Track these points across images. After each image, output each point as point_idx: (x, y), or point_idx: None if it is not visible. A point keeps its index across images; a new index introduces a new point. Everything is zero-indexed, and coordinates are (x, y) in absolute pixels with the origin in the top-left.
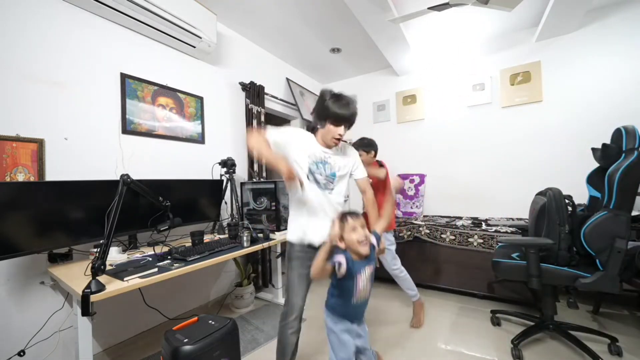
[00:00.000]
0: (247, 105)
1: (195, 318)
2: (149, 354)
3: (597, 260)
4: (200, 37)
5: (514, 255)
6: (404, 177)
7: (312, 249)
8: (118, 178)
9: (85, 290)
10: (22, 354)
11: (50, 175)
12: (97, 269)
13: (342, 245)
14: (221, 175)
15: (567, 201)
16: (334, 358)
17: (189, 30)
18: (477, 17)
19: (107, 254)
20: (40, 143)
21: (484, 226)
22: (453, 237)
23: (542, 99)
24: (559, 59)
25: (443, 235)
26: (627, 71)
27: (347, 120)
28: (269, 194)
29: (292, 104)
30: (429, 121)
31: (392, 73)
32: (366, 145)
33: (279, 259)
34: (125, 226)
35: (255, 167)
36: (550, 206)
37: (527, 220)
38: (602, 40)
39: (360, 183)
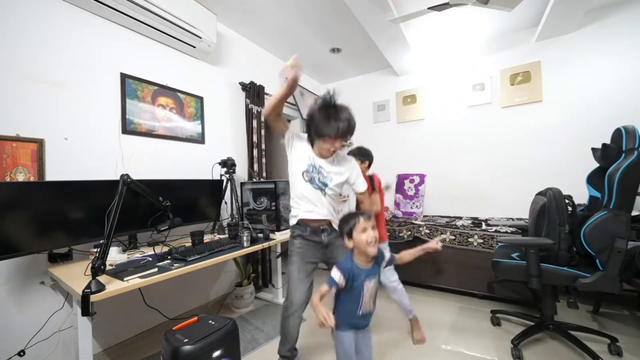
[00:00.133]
0: (247, 105)
1: (195, 318)
2: (149, 354)
3: (597, 260)
4: (200, 37)
5: (514, 255)
6: (404, 177)
7: (312, 242)
8: (118, 178)
9: (85, 290)
10: (22, 354)
11: (50, 175)
12: (97, 269)
13: (350, 244)
14: (221, 175)
15: (567, 201)
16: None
17: (189, 30)
18: (477, 17)
19: (107, 254)
20: (40, 143)
21: (484, 226)
22: (453, 237)
23: (542, 99)
24: (559, 59)
25: (443, 235)
26: (627, 71)
27: (335, 137)
28: (269, 194)
29: (292, 103)
30: (429, 121)
31: (392, 73)
32: (363, 155)
33: (279, 259)
34: (125, 226)
35: (255, 167)
36: (550, 206)
37: (527, 220)
38: (602, 40)
39: (358, 196)
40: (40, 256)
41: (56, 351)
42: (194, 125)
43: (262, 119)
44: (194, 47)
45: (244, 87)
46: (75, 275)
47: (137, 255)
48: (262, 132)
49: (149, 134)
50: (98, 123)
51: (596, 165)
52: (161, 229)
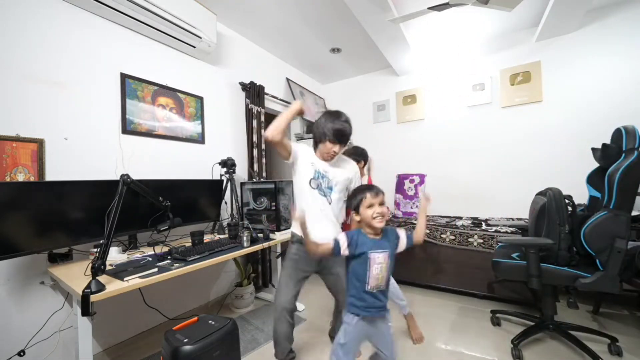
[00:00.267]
0: (247, 105)
1: (195, 318)
2: (149, 354)
3: (597, 260)
4: (200, 37)
5: (514, 255)
6: (404, 177)
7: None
8: (118, 178)
9: (85, 290)
10: (22, 354)
11: (50, 175)
12: (97, 269)
13: (357, 218)
14: (221, 175)
15: (567, 201)
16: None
17: (189, 30)
18: (477, 17)
19: (107, 254)
20: (40, 143)
21: (484, 226)
22: (453, 237)
23: (542, 99)
24: (559, 59)
25: (443, 235)
26: (627, 71)
27: (341, 138)
28: (269, 194)
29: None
30: (429, 121)
31: (392, 73)
32: (359, 155)
33: (279, 259)
34: (125, 226)
35: (255, 167)
36: (550, 206)
37: (527, 220)
38: (602, 40)
39: None
40: (40, 256)
41: (56, 351)
42: (194, 125)
43: (262, 119)
44: (194, 47)
45: (244, 87)
46: (75, 275)
47: (137, 255)
48: (262, 132)
49: (149, 134)
50: (98, 123)
51: (596, 165)
52: (161, 229)
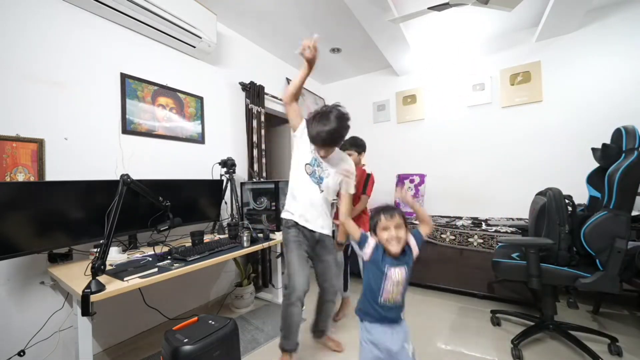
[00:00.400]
0: (247, 105)
1: (195, 318)
2: (149, 354)
3: (597, 260)
4: (200, 37)
5: (514, 255)
6: (404, 177)
7: (307, 236)
8: (118, 178)
9: (85, 290)
10: (22, 354)
11: (50, 175)
12: (97, 269)
13: (375, 239)
14: (221, 175)
15: (567, 201)
16: None
17: (189, 30)
18: (477, 17)
19: (107, 254)
20: (40, 143)
21: (484, 226)
22: (453, 237)
23: (542, 99)
24: (559, 59)
25: (443, 235)
26: (627, 71)
27: (321, 144)
28: (269, 194)
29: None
30: (429, 121)
31: (392, 73)
32: (359, 146)
33: (279, 259)
34: (125, 226)
35: (255, 167)
36: (550, 206)
37: (527, 220)
38: (602, 40)
39: (342, 193)
40: (40, 256)
41: (56, 351)
42: (194, 125)
43: (262, 119)
44: (194, 47)
45: (244, 87)
46: (75, 275)
47: (137, 255)
48: (262, 132)
49: (149, 134)
50: (98, 123)
51: (596, 165)
52: (161, 229)
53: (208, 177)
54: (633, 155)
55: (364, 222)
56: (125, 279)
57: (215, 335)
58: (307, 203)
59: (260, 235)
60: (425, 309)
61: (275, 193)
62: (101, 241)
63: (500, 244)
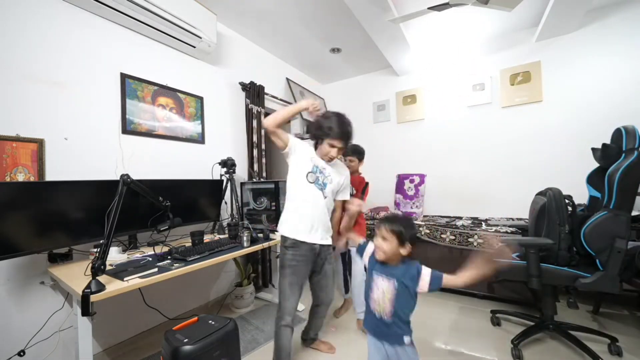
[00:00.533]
0: (247, 105)
1: (195, 318)
2: (149, 354)
3: (597, 260)
4: (200, 37)
5: (514, 255)
6: (404, 177)
7: (305, 254)
8: (118, 178)
9: (85, 290)
10: (22, 354)
11: (50, 175)
12: (97, 269)
13: (372, 246)
14: (221, 175)
15: (567, 201)
16: None
17: (189, 30)
18: (477, 17)
19: (107, 254)
20: (40, 143)
21: (484, 226)
22: (453, 237)
23: (542, 99)
24: (559, 59)
25: (443, 235)
26: (627, 71)
27: (341, 142)
28: (269, 194)
29: (292, 104)
30: (429, 121)
31: (392, 73)
32: (360, 153)
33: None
34: (125, 226)
35: (256, 167)
36: (550, 206)
37: (527, 220)
38: (602, 40)
39: (337, 202)
40: (40, 256)
41: (56, 351)
42: (194, 125)
43: (262, 119)
44: (194, 47)
45: (244, 87)
46: (75, 275)
47: (137, 255)
48: (262, 132)
49: (149, 134)
50: (98, 123)
51: (596, 165)
52: (161, 229)
53: (208, 177)
54: (633, 155)
55: (361, 226)
56: (125, 279)
57: (215, 335)
58: (311, 212)
59: (260, 235)
60: (425, 309)
61: (275, 193)
62: (101, 241)
63: (500, 244)
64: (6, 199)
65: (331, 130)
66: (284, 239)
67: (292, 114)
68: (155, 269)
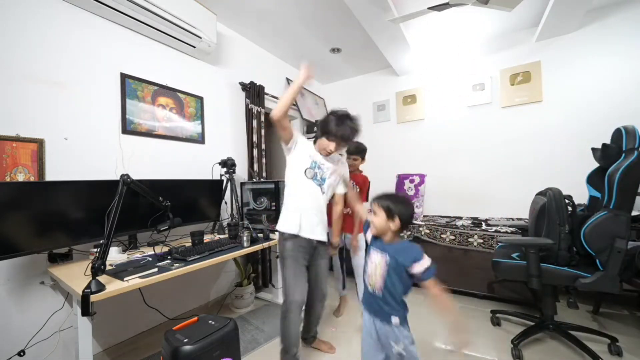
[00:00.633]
0: (247, 105)
1: (195, 318)
2: (149, 354)
3: (597, 260)
4: (200, 37)
5: (514, 255)
6: (404, 177)
7: (304, 245)
8: (118, 178)
9: (85, 290)
10: (22, 354)
11: (50, 175)
12: (97, 269)
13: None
14: (221, 175)
15: (567, 201)
16: None
17: (189, 30)
18: (477, 17)
19: (107, 254)
20: (40, 143)
21: (484, 226)
22: (453, 237)
23: (542, 99)
24: (559, 59)
25: (443, 235)
26: (627, 71)
27: (341, 140)
28: (269, 194)
29: (292, 104)
30: (429, 121)
31: (392, 73)
32: (363, 151)
33: (279, 259)
34: (125, 226)
35: (256, 167)
36: (550, 206)
37: (527, 220)
38: (602, 40)
39: (337, 197)
40: (40, 256)
41: (56, 351)
42: (194, 125)
43: (262, 119)
44: (194, 47)
45: (244, 87)
46: (75, 275)
47: (137, 255)
48: (262, 132)
49: (149, 134)
50: (98, 123)
51: (596, 165)
52: (161, 229)
53: (208, 177)
54: (633, 155)
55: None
56: (125, 279)
57: (215, 335)
58: (309, 208)
59: (260, 235)
60: (425, 309)
61: (275, 193)
62: (101, 241)
63: (500, 244)
64: (6, 199)
65: (332, 131)
66: (282, 233)
67: (295, 93)
68: (155, 269)
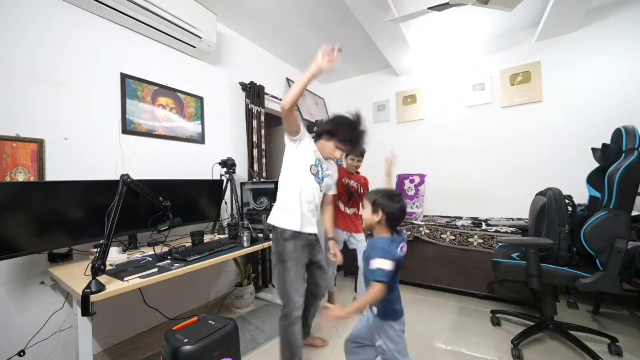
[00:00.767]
0: (247, 105)
1: (195, 318)
2: (149, 354)
3: (597, 260)
4: (200, 37)
5: (514, 255)
6: (404, 177)
7: (304, 244)
8: (118, 178)
9: (85, 290)
10: (22, 354)
11: (50, 175)
12: (97, 269)
13: None
14: (221, 175)
15: (567, 201)
16: None
17: (189, 30)
18: (477, 17)
19: (107, 254)
20: (40, 143)
21: (484, 226)
22: (453, 237)
23: (542, 99)
24: (559, 59)
25: (443, 235)
26: (627, 71)
27: (353, 148)
28: (269, 194)
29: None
30: (429, 121)
31: (392, 73)
32: (362, 154)
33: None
34: (125, 226)
35: (256, 167)
36: (550, 206)
37: (527, 220)
38: (602, 40)
39: (329, 197)
40: (40, 256)
41: (56, 351)
42: (194, 125)
43: (262, 119)
44: (194, 47)
45: (244, 87)
46: (75, 275)
47: (137, 255)
48: (262, 132)
49: (149, 134)
50: (98, 123)
51: (596, 165)
52: (161, 229)
53: (208, 177)
54: (633, 155)
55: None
56: (125, 279)
57: (215, 335)
58: (310, 203)
59: (260, 235)
60: (425, 309)
61: (275, 193)
62: (101, 241)
63: (500, 244)
64: (6, 199)
65: (351, 141)
66: (281, 230)
67: (305, 84)
68: (155, 269)
